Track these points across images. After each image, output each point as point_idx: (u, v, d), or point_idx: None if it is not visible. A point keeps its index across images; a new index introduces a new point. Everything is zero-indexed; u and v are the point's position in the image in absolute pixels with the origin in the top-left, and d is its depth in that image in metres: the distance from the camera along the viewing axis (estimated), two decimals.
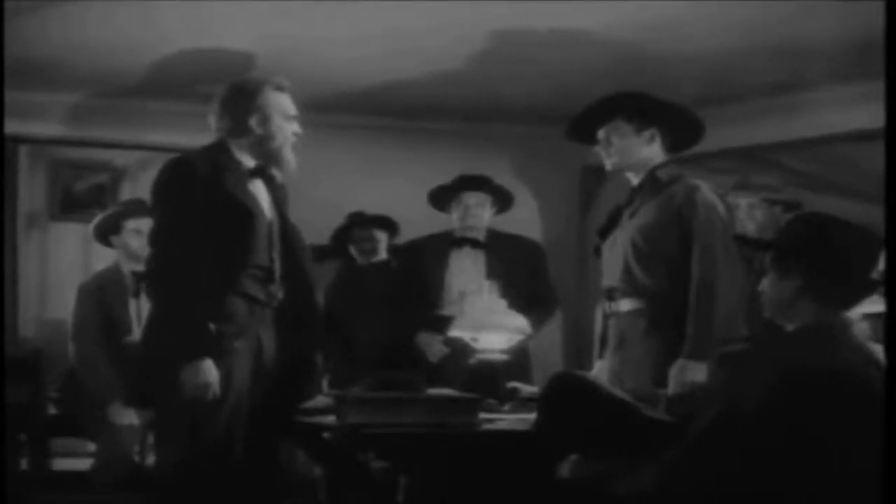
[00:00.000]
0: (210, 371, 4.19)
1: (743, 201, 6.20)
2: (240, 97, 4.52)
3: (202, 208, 4.27)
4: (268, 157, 4.52)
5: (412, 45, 6.09)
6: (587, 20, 5.64)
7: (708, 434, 3.23)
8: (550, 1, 5.36)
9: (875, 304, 3.57)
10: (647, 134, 4.84)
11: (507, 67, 6.45)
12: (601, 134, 4.89)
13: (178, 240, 4.25)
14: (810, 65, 6.28)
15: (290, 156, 4.55)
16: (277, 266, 4.48)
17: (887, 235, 3.35)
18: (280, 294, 4.50)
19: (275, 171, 4.55)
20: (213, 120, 4.56)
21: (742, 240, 4.37)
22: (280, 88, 4.55)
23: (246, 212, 4.37)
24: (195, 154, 4.47)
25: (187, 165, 4.37)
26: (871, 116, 5.15)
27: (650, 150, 4.85)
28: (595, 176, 7.60)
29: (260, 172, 4.51)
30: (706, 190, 4.77)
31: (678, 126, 4.88)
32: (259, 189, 4.50)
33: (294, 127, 4.56)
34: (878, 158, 3.80)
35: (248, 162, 4.50)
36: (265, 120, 4.49)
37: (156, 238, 4.35)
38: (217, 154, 4.45)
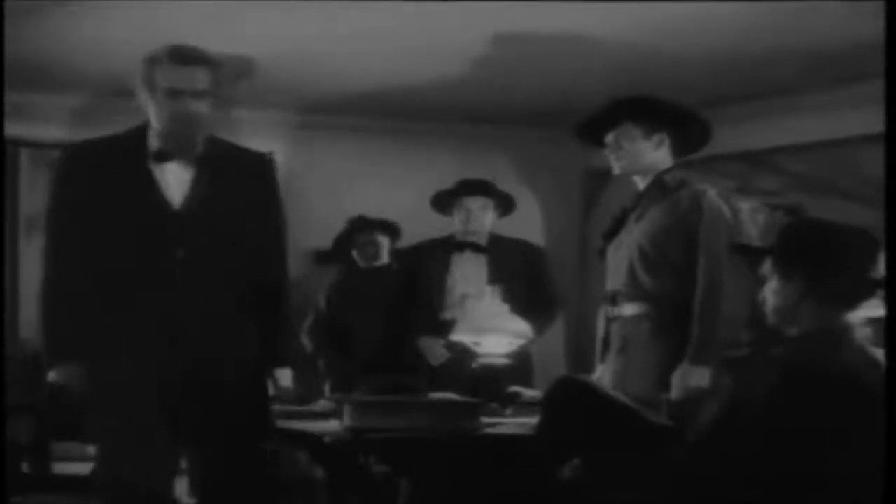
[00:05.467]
0: (72, 374, 4.01)
1: (745, 206, 6.20)
2: (138, 72, 4.10)
3: (89, 199, 4.02)
4: (171, 140, 4.07)
5: (414, 47, 6.09)
6: (589, 23, 5.64)
7: (710, 437, 3.23)
8: (552, 3, 5.35)
9: (876, 309, 3.56)
10: (656, 138, 4.84)
11: (509, 70, 6.46)
12: (610, 137, 4.87)
13: (57, 234, 4.06)
14: (811, 68, 6.28)
15: (188, 135, 4.07)
16: (184, 259, 4.03)
17: (887, 238, 3.35)
18: (186, 289, 4.04)
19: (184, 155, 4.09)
20: None
21: (743, 249, 4.37)
22: (178, 60, 4.04)
23: (138, 202, 4.02)
24: (96, 140, 4.19)
25: (76, 152, 4.15)
26: (873, 119, 5.15)
27: (658, 155, 4.85)
28: (597, 179, 7.61)
29: (166, 156, 4.08)
30: (713, 195, 4.77)
31: (686, 130, 4.88)
32: (170, 175, 4.07)
33: (193, 105, 4.02)
34: (879, 161, 3.80)
35: (156, 145, 4.10)
36: (151, 96, 4.05)
37: (44, 233, 4.14)
38: (129, 138, 4.12)
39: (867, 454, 3.07)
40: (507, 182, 6.92)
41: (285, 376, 4.32)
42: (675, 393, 4.51)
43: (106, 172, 4.03)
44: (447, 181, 6.55)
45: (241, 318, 4.16)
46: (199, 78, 4.03)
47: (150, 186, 4.04)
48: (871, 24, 4.61)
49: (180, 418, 4.01)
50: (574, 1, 5.32)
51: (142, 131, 4.10)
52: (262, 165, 4.27)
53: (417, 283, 6.48)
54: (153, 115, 4.05)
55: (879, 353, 3.27)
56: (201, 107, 4.04)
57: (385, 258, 7.06)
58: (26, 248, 7.48)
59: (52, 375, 4.00)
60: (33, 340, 7.32)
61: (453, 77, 6.63)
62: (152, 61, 4.03)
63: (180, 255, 4.03)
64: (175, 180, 4.07)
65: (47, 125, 7.30)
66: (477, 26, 5.75)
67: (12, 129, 6.88)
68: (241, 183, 4.16)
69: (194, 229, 4.06)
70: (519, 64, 6.35)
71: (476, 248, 6.42)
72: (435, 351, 6.29)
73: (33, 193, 7.66)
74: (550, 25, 5.68)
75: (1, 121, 6.35)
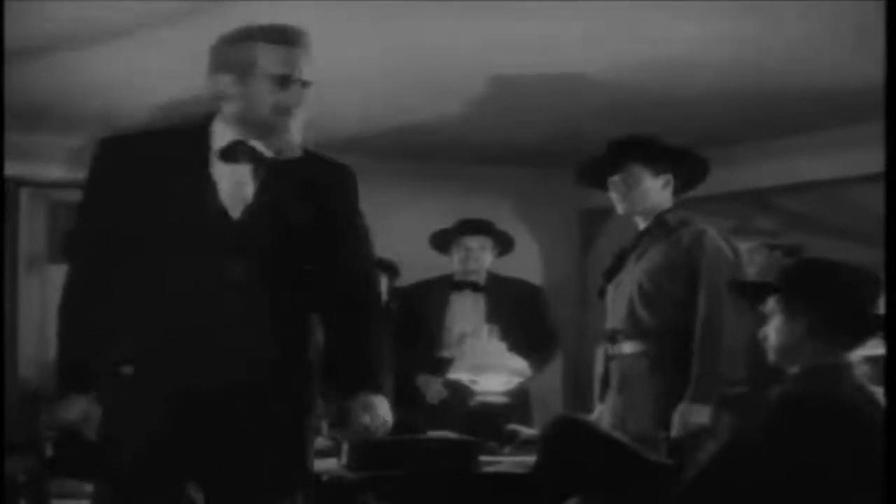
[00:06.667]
0: (78, 408, 3.35)
1: (743, 246, 6.22)
2: (217, 51, 3.47)
3: (131, 198, 3.34)
4: (257, 132, 3.41)
5: (413, 87, 6.10)
6: (587, 64, 5.65)
7: (709, 470, 3.23)
8: (551, 44, 5.37)
9: (875, 348, 3.58)
10: (662, 179, 4.87)
11: (507, 110, 6.47)
12: (616, 179, 4.89)
13: (87, 243, 3.40)
14: (811, 107, 6.30)
15: (287, 130, 3.42)
16: (239, 274, 3.35)
17: (887, 277, 3.37)
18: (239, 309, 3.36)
19: (266, 150, 3.44)
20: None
21: (743, 286, 4.38)
22: (286, 41, 3.39)
23: (187, 208, 3.35)
24: (144, 132, 3.59)
25: (116, 146, 3.44)
26: (871, 159, 5.17)
27: (663, 195, 4.88)
28: (595, 218, 7.62)
29: (233, 154, 3.42)
30: (714, 234, 4.80)
31: (688, 171, 4.92)
32: (234, 176, 3.41)
33: (290, 96, 3.39)
34: (878, 201, 3.82)
35: (225, 140, 3.43)
36: (243, 80, 3.39)
37: (68, 240, 3.67)
38: (184, 132, 3.48)
39: (865, 490, 3.07)
40: (506, 221, 6.94)
41: (382, 405, 3.51)
42: (675, 431, 4.51)
43: (154, 169, 3.36)
44: (446, 220, 6.56)
45: (302, 347, 3.51)
46: (306, 66, 3.42)
47: (208, 188, 3.37)
48: (870, 64, 4.63)
49: (203, 459, 3.37)
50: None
51: (203, 127, 3.46)
52: (342, 176, 3.68)
53: (416, 321, 6.48)
54: (245, 104, 3.39)
55: (879, 391, 3.29)
56: (307, 99, 3.45)
57: (383, 297, 7.06)
58: (26, 286, 7.50)
59: (62, 410, 3.36)
60: (32, 379, 7.38)
61: (452, 117, 6.64)
62: (250, 38, 3.39)
63: (236, 269, 3.36)
64: (238, 182, 3.41)
65: (47, 165, 7.32)
66: (474, 67, 5.77)
67: (12, 169, 6.88)
68: (319, 192, 3.53)
69: (257, 240, 3.40)
70: (518, 103, 6.37)
71: (474, 287, 6.43)
72: (433, 389, 6.28)
73: (33, 232, 7.68)
74: (549, 66, 5.70)
75: (1, 160, 6.36)
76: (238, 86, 3.39)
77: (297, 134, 3.44)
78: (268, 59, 3.36)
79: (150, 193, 3.33)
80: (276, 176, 3.43)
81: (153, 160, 3.37)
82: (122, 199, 3.35)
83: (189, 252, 3.34)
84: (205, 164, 3.39)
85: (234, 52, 3.40)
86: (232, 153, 3.40)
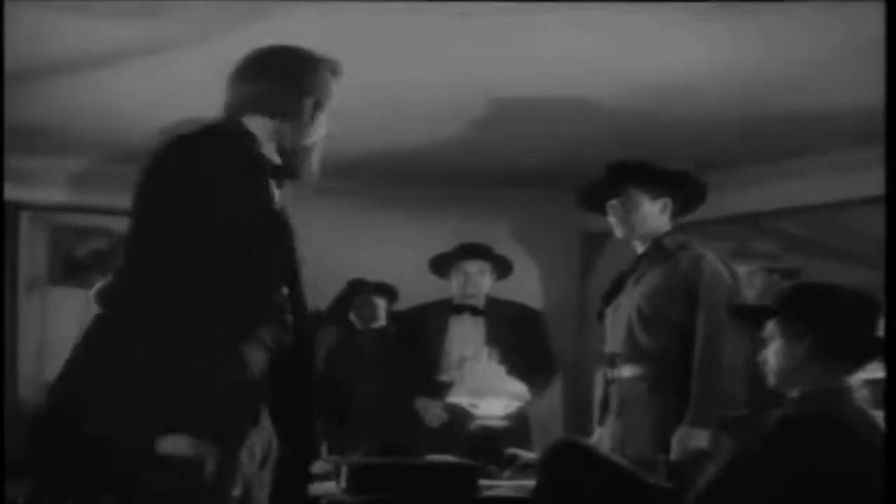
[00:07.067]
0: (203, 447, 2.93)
1: (741, 269, 6.22)
2: (296, 66, 3.33)
3: (216, 214, 3.02)
4: (290, 155, 3.33)
5: (411, 110, 6.11)
6: (587, 87, 5.66)
7: (708, 492, 3.23)
8: (552, 68, 5.39)
9: (875, 371, 3.58)
10: (660, 203, 4.88)
11: (508, 133, 6.48)
12: (615, 203, 4.90)
13: (172, 256, 2.97)
14: (810, 131, 6.30)
15: (317, 160, 3.41)
16: (286, 302, 3.24)
17: (887, 300, 3.37)
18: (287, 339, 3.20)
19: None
20: (233, 84, 3.39)
21: (742, 310, 4.38)
22: (335, 73, 3.39)
23: (274, 225, 3.19)
24: (208, 132, 3.28)
25: (205, 143, 3.22)
26: (871, 182, 5.18)
27: (661, 219, 4.89)
28: (595, 241, 7.62)
29: (282, 173, 3.31)
30: (712, 257, 4.80)
31: (686, 194, 4.93)
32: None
33: (326, 125, 3.42)
34: (877, 224, 3.83)
35: (272, 155, 3.30)
36: (318, 105, 3.34)
37: (133, 244, 3.06)
38: (238, 138, 3.24)
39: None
40: (506, 244, 6.95)
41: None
42: (674, 454, 4.51)
43: (231, 181, 3.10)
44: (445, 244, 6.57)
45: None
46: None
47: (269, 202, 3.21)
48: (870, 87, 4.64)
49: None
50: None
51: (246, 135, 3.27)
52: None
53: (415, 345, 6.49)
54: (308, 128, 3.35)
55: (878, 415, 3.29)
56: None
57: (382, 320, 7.06)
58: (26, 309, 7.51)
59: (167, 445, 2.92)
60: (31, 400, 7.37)
61: (452, 140, 6.65)
62: (323, 66, 3.36)
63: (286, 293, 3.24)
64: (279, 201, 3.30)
65: (47, 188, 7.33)
66: (473, 90, 5.78)
67: (12, 193, 6.90)
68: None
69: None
70: (518, 127, 6.37)
71: (474, 310, 6.43)
72: (432, 413, 6.27)
73: (33, 255, 7.70)
74: (550, 89, 5.71)
75: (1, 184, 6.37)
76: (309, 111, 3.33)
77: (317, 161, 3.42)
78: (333, 89, 3.38)
79: (220, 197, 3.05)
80: (281, 197, 3.32)
81: (220, 163, 3.14)
82: (191, 205, 3.04)
83: (271, 272, 3.16)
84: (266, 176, 3.23)
85: (317, 76, 3.35)
86: (278, 173, 3.29)
